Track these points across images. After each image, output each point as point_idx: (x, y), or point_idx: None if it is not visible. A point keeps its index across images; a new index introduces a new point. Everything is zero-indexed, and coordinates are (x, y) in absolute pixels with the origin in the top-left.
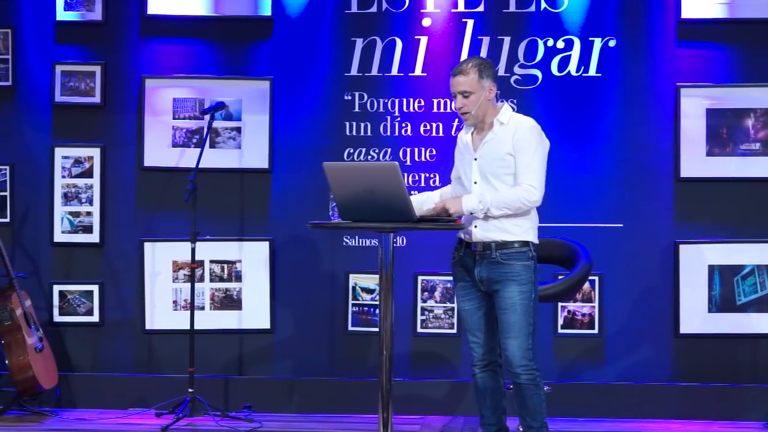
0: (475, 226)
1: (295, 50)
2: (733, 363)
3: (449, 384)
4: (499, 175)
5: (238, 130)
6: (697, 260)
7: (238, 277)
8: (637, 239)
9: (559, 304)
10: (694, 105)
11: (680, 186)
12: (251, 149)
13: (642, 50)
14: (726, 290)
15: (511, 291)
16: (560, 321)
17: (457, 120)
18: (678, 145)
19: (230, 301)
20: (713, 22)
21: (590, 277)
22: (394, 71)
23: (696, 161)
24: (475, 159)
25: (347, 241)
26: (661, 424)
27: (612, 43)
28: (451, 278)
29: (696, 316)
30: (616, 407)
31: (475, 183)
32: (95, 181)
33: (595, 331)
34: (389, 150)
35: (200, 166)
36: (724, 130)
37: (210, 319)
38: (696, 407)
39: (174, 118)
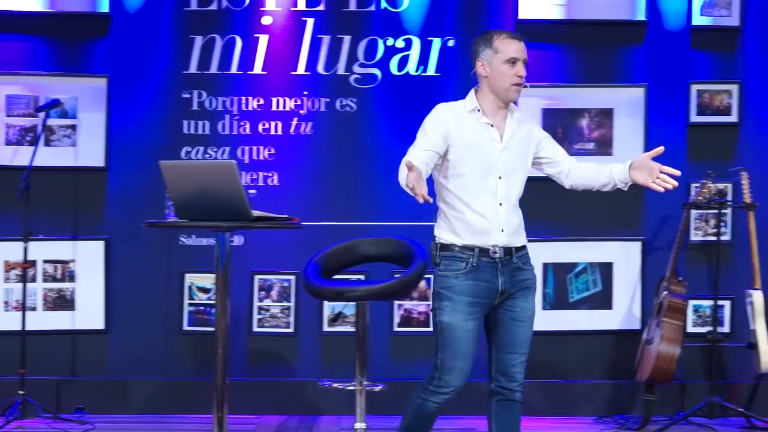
0: (502, 230)
1: (133, 47)
2: (566, 359)
3: (285, 383)
4: (524, 170)
5: (74, 127)
6: (531, 258)
7: (72, 277)
8: None
9: (396, 302)
10: (530, 105)
11: None
12: (87, 147)
13: None
14: (559, 288)
15: (529, 301)
16: (396, 319)
17: (296, 119)
18: None
19: (63, 302)
20: (550, 23)
21: (426, 276)
22: (234, 69)
23: None
24: (503, 149)
25: (184, 240)
26: None
27: (451, 43)
28: (288, 277)
29: None
30: (451, 405)
31: (500, 178)
32: None
33: (431, 329)
34: (227, 149)
35: (34, 164)
36: (559, 130)
37: (42, 320)
38: (529, 403)
39: (7, 116)
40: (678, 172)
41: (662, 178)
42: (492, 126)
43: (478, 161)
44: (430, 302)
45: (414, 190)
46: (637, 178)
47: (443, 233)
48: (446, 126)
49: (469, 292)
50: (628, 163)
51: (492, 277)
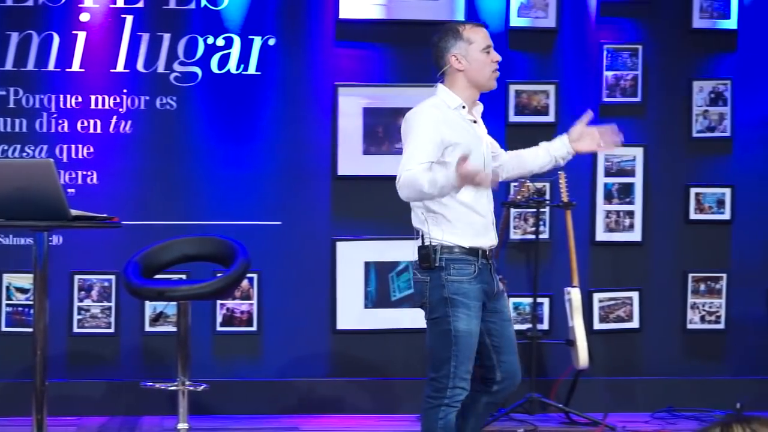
0: (494, 229)
1: None
2: (388, 357)
3: (107, 384)
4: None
5: None
6: (353, 257)
7: None
8: (296, 236)
9: (218, 302)
10: (352, 104)
11: (337, 184)
12: None
13: (301, 49)
14: (381, 286)
15: (506, 299)
16: (219, 319)
17: (115, 117)
18: (335, 144)
19: None
20: (370, 23)
21: (248, 275)
22: (51, 66)
23: (353, 159)
24: (485, 145)
25: (0, 239)
26: (319, 419)
27: (272, 42)
28: (108, 277)
29: (352, 311)
30: (274, 403)
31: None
32: None
33: (254, 328)
34: (45, 147)
35: None
36: (380, 129)
37: None
38: (353, 402)
39: None
40: (615, 128)
41: (607, 139)
42: (475, 122)
43: (476, 161)
44: (436, 309)
45: (479, 176)
46: (583, 148)
47: (445, 235)
48: (440, 133)
49: (480, 296)
50: (564, 138)
51: (490, 279)
